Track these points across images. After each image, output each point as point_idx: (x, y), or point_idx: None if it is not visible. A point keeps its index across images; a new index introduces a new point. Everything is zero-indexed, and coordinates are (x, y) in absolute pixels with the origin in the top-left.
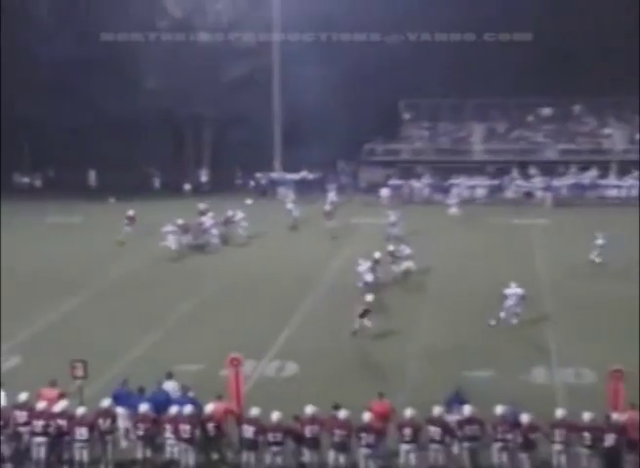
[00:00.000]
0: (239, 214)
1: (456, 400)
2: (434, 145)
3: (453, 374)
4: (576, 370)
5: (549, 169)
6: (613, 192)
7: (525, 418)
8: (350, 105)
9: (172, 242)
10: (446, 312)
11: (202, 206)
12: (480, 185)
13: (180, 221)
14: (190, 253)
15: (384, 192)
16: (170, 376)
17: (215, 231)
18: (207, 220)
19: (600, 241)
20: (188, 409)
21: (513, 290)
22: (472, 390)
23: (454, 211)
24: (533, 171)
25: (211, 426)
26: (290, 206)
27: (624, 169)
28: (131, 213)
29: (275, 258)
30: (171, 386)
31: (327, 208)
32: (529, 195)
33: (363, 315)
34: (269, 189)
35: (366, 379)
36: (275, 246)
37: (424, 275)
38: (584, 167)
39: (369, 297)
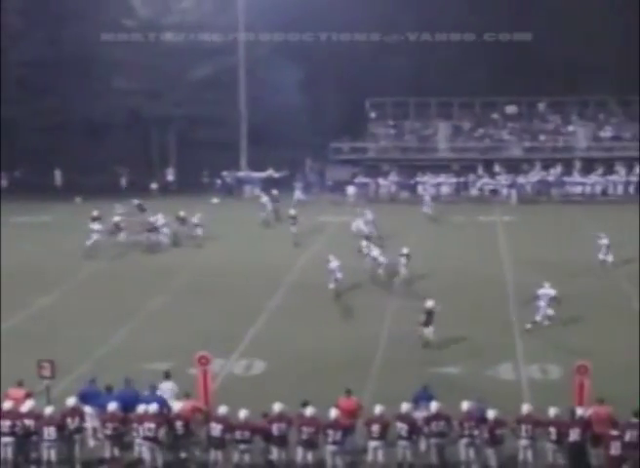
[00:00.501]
0: (197, 215)
1: (423, 396)
2: (400, 143)
3: (420, 371)
4: (541, 365)
5: (514, 166)
6: (577, 189)
7: (491, 414)
8: (316, 104)
9: (93, 239)
10: (413, 309)
11: (136, 202)
12: (445, 183)
13: (116, 219)
14: (159, 252)
15: (351, 190)
16: (167, 376)
17: (166, 230)
18: (159, 219)
19: (604, 240)
20: (153, 407)
21: (546, 290)
22: (439, 387)
23: (426, 209)
24: (498, 168)
25: (179, 424)
26: (264, 199)
27: (588, 166)
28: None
29: (243, 257)
30: (168, 387)
31: (291, 212)
32: (494, 192)
33: (427, 323)
34: (236, 188)
35: (333, 376)
36: (243, 244)
37: (392, 272)
38: (549, 164)
39: (429, 303)
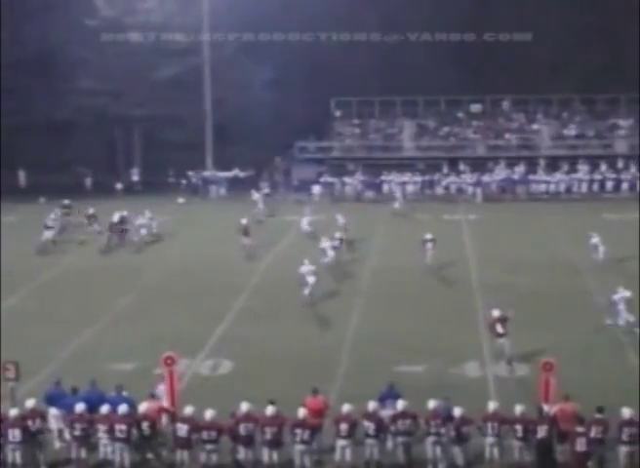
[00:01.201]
0: (147, 215)
1: (389, 395)
2: (365, 142)
3: (386, 370)
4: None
5: (479, 165)
6: (541, 187)
7: (457, 412)
8: (282, 104)
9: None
10: (379, 308)
11: (66, 202)
12: (411, 182)
13: (52, 216)
14: (124, 252)
15: (316, 189)
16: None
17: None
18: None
19: (595, 239)
20: (123, 408)
21: (621, 294)
22: (406, 385)
23: (397, 205)
24: (463, 167)
25: (145, 425)
26: (256, 197)
27: (552, 164)
28: (91, 211)
29: (208, 257)
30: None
31: (243, 221)
32: (459, 191)
33: (502, 335)
34: (202, 188)
35: (300, 375)
36: (210, 244)
37: (357, 271)
38: (513, 163)
39: (495, 313)
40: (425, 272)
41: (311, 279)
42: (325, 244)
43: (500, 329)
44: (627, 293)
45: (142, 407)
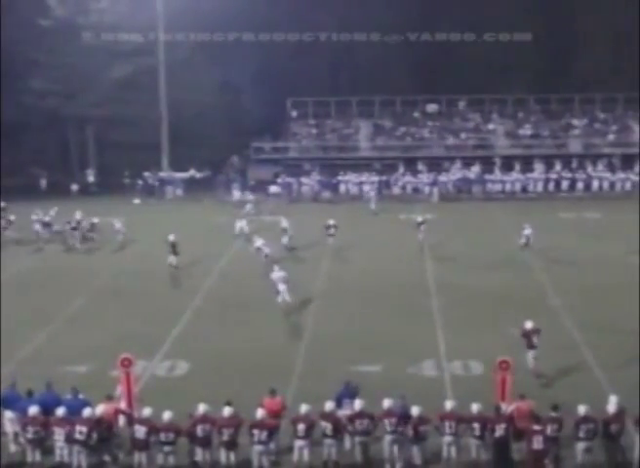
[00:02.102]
0: (94, 220)
1: (346, 394)
2: (321, 143)
3: (343, 370)
4: (464, 362)
5: (435, 164)
6: (497, 187)
7: (415, 411)
8: (238, 104)
9: None
10: (335, 308)
11: (3, 204)
12: (367, 182)
13: None
14: (80, 254)
15: (273, 189)
16: (229, 404)
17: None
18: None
19: (527, 231)
20: (88, 411)
21: None
22: (363, 385)
23: (373, 206)
24: (419, 166)
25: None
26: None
27: (508, 164)
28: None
29: (164, 258)
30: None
31: (171, 238)
32: (416, 190)
33: (534, 346)
34: (157, 188)
35: (257, 376)
36: (164, 246)
37: (313, 272)
38: (469, 162)
39: (528, 325)
40: (381, 270)
41: (282, 287)
42: (259, 243)
43: (535, 340)
44: None
45: (99, 409)
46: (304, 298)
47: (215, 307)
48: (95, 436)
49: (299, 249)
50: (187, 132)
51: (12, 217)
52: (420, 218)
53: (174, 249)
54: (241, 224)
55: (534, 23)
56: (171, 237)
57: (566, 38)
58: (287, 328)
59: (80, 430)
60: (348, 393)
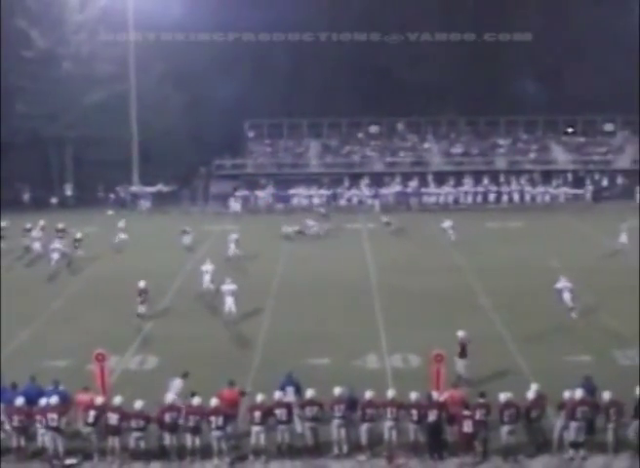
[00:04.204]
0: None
1: (288, 383)
2: (275, 160)
3: (295, 363)
4: (403, 355)
5: (377, 179)
6: (432, 199)
7: (368, 395)
8: (200, 125)
9: None
10: (288, 309)
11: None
12: (316, 195)
13: None
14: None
15: (232, 202)
16: (185, 376)
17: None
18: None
19: (446, 224)
20: (54, 399)
21: (563, 284)
22: (313, 376)
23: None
24: (363, 181)
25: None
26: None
27: (441, 178)
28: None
29: (135, 264)
30: (177, 384)
31: (141, 285)
32: (360, 202)
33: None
34: (129, 201)
35: (218, 369)
36: (136, 251)
37: (267, 277)
38: (407, 177)
39: (461, 333)
40: (328, 274)
41: (229, 299)
42: (207, 267)
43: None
44: (569, 284)
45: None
46: (261, 301)
47: (181, 308)
48: (64, 422)
49: (255, 254)
50: (156, 150)
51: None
52: (385, 219)
53: (143, 295)
54: (187, 239)
55: (462, 52)
56: (141, 283)
57: (492, 66)
58: (245, 327)
59: (51, 417)
60: (290, 381)
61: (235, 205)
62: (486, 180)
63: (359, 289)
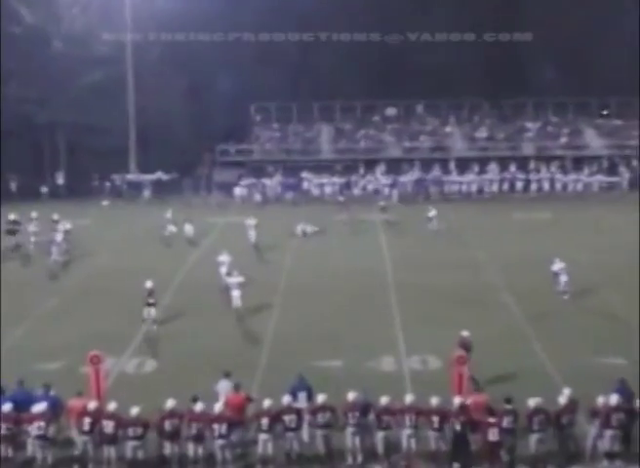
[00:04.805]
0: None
1: (300, 387)
2: (284, 146)
3: (305, 365)
4: (422, 356)
5: (394, 166)
6: (454, 188)
7: (384, 400)
8: (203, 109)
9: None
10: (298, 306)
11: None
12: (329, 183)
13: None
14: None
15: (238, 191)
16: (227, 375)
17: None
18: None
19: (432, 213)
20: (42, 406)
21: (558, 265)
22: (324, 379)
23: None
24: (379, 168)
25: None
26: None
27: (464, 165)
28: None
29: (133, 258)
30: (225, 385)
31: (148, 285)
32: (376, 192)
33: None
34: (126, 191)
35: (223, 370)
36: (134, 245)
37: (276, 271)
38: (427, 164)
39: (465, 333)
40: (342, 269)
41: (236, 292)
42: (223, 258)
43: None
44: (563, 264)
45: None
46: (268, 297)
47: (182, 307)
48: (53, 430)
49: (262, 248)
50: (155, 135)
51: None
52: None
53: (151, 296)
54: (189, 229)
55: (493, 28)
56: (148, 284)
57: (521, 44)
58: (252, 326)
59: (38, 425)
60: (302, 385)
61: (241, 194)
62: (513, 167)
63: (374, 284)
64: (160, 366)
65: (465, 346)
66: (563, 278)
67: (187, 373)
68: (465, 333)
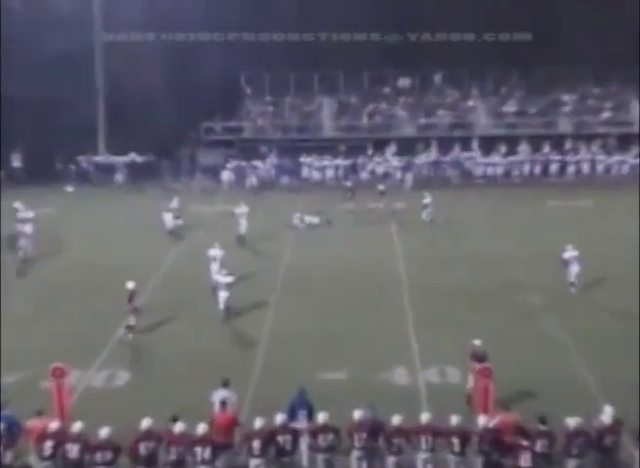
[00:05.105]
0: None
1: (300, 403)
2: (279, 122)
3: (305, 377)
4: (440, 368)
5: (408, 146)
6: (477, 171)
7: (396, 420)
8: (184, 80)
9: None
10: (296, 307)
11: None
12: (331, 166)
13: None
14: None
15: (225, 175)
16: (225, 384)
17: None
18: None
19: (427, 200)
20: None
21: (570, 253)
22: (326, 394)
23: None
24: (390, 149)
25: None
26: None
27: (489, 145)
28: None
29: (106, 252)
30: (225, 395)
31: (130, 286)
32: (386, 176)
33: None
34: (94, 175)
35: (207, 386)
36: (103, 238)
37: (272, 268)
38: (446, 143)
39: (477, 342)
40: (347, 268)
41: (223, 294)
42: (215, 252)
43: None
44: (575, 253)
45: (28, 425)
46: (262, 295)
47: (160, 309)
48: (10, 456)
49: (255, 240)
50: (127, 111)
51: None
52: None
53: (131, 299)
54: (169, 219)
55: None
56: (130, 285)
57: (553, 2)
58: (241, 329)
59: None
60: (302, 401)
61: (229, 179)
62: (546, 147)
63: (384, 283)
64: (134, 378)
65: (478, 357)
66: (574, 268)
67: (166, 387)
68: (477, 342)
